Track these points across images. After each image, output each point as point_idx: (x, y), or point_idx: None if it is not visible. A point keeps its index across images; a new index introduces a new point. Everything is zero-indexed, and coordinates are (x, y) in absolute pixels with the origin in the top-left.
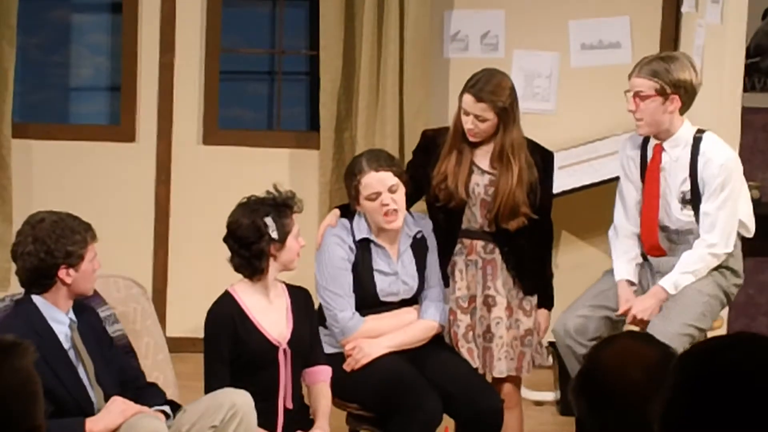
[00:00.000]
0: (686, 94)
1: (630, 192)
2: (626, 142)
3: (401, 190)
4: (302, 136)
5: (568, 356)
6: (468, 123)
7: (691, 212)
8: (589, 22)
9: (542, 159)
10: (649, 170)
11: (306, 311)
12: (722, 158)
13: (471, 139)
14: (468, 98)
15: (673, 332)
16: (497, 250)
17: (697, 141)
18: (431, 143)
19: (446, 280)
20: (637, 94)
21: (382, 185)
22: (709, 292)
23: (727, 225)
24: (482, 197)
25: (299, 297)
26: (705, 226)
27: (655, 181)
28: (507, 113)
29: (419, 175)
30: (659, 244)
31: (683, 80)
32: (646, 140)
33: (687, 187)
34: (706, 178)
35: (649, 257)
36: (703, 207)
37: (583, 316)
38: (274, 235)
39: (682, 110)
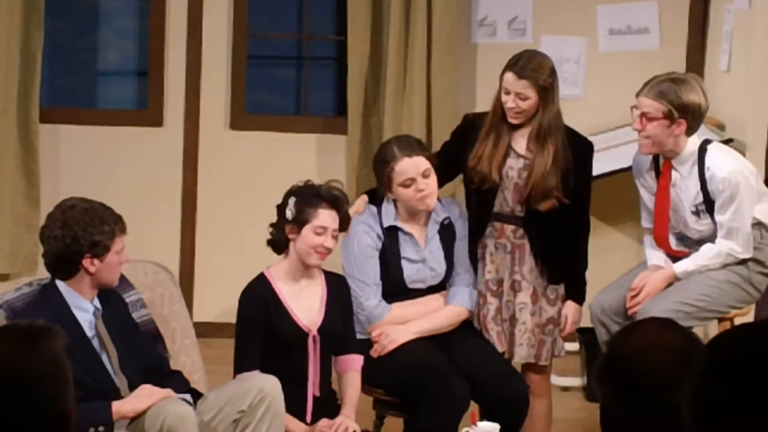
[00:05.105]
0: (693, 119)
1: (652, 202)
2: (637, 157)
3: (433, 174)
4: (330, 121)
5: (602, 334)
6: (509, 102)
7: (708, 220)
8: (618, 7)
9: (581, 149)
10: (659, 188)
11: (342, 300)
12: (725, 171)
13: (511, 119)
14: (510, 76)
15: (663, 308)
16: (527, 236)
17: (702, 153)
18: (471, 127)
19: (476, 262)
20: (644, 115)
21: (416, 171)
22: (719, 278)
23: (744, 234)
24: (515, 181)
25: (337, 285)
26: (722, 233)
27: (666, 198)
28: (547, 92)
29: (454, 157)
30: (674, 252)
31: (692, 104)
32: (657, 154)
33: (700, 199)
34: (713, 191)
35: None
36: (716, 217)
37: (622, 297)
38: (289, 215)
39: (689, 132)
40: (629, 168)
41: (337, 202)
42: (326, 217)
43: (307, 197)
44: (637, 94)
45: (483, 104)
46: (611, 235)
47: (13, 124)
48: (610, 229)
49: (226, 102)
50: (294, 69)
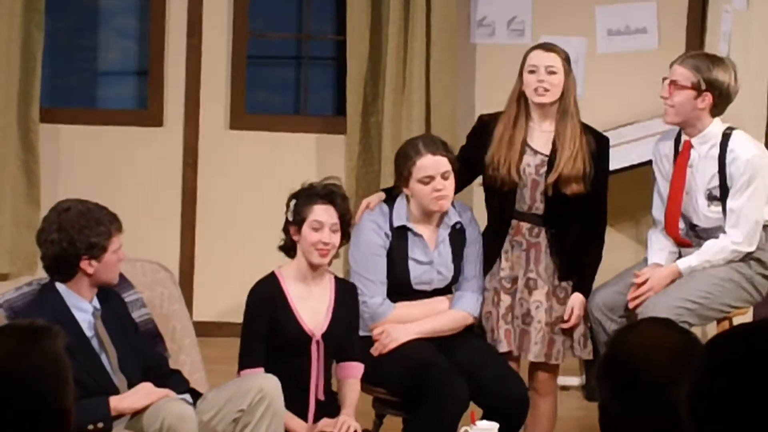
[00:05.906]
0: (720, 96)
1: (666, 189)
2: (659, 141)
3: (452, 178)
4: (329, 120)
5: (598, 330)
6: (539, 77)
7: (719, 208)
8: (616, 7)
9: (598, 143)
10: (677, 166)
11: (349, 307)
12: (749, 154)
13: (539, 98)
14: (537, 52)
15: (666, 303)
16: (543, 234)
17: (726, 137)
18: (486, 128)
19: (495, 261)
20: (673, 82)
21: (437, 170)
22: (722, 276)
23: (751, 223)
24: (533, 177)
25: (345, 291)
26: (730, 222)
27: (682, 177)
28: (570, 72)
29: (472, 160)
30: (681, 238)
31: (720, 81)
32: (678, 138)
33: (715, 183)
34: (732, 173)
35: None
36: (728, 203)
37: (617, 293)
38: (290, 217)
39: (714, 112)
40: (629, 167)
41: (332, 196)
42: (321, 212)
43: (304, 196)
44: (671, 64)
45: (482, 104)
46: (609, 234)
47: (14, 123)
48: (609, 228)
49: (225, 102)
50: (293, 69)
